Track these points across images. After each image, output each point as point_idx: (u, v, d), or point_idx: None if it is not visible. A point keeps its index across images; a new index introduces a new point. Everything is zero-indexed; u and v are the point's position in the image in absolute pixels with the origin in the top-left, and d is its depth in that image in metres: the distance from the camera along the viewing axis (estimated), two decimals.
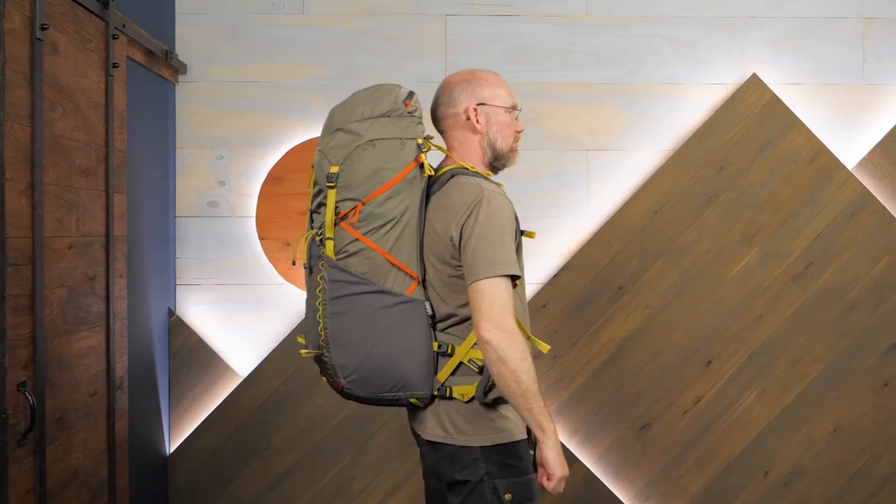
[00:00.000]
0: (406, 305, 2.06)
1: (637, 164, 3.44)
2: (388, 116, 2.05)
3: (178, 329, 3.38)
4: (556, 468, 2.02)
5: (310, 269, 2.14)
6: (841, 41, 3.46)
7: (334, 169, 2.04)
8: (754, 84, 3.40)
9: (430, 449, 2.15)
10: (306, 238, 2.15)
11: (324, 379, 2.15)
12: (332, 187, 2.04)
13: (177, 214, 3.42)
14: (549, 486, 2.04)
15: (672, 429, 3.42)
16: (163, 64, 3.23)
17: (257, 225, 3.42)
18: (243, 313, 3.43)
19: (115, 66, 2.74)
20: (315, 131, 3.42)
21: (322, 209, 2.09)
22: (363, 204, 2.02)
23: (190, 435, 3.39)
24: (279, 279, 3.42)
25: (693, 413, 3.42)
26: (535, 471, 2.11)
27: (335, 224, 2.05)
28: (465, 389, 2.07)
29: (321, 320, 2.07)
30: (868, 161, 3.43)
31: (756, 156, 3.40)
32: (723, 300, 3.41)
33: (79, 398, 2.54)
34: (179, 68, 3.36)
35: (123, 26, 2.81)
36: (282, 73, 3.44)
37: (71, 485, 2.49)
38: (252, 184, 3.43)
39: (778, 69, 3.45)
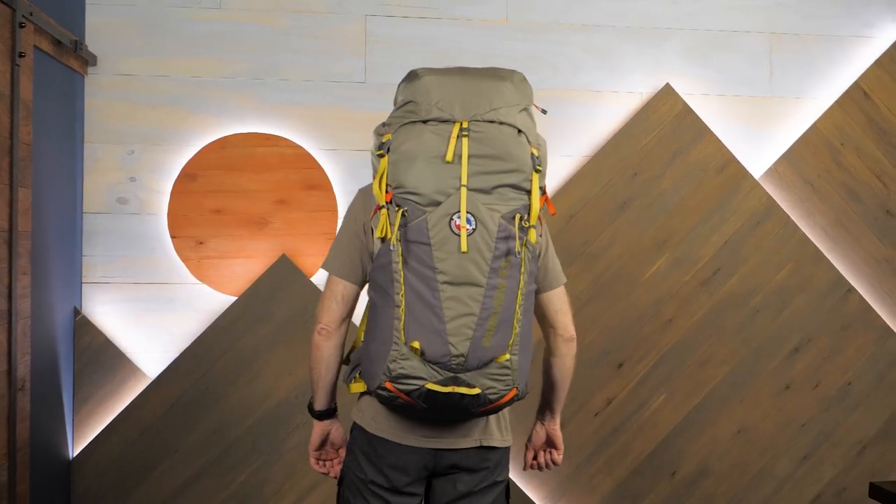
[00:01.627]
0: None
1: (553, 170, 3.48)
2: None
3: (83, 329, 3.26)
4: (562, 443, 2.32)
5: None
6: (750, 54, 3.58)
7: (535, 151, 1.91)
8: (667, 94, 3.49)
9: (477, 457, 2.08)
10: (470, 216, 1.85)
11: (454, 390, 1.84)
12: (538, 171, 1.90)
13: (84, 210, 3.31)
14: (560, 459, 2.33)
15: (584, 430, 3.47)
16: (72, 55, 3.12)
17: (169, 223, 3.33)
18: (152, 313, 3.34)
19: (21, 55, 2.63)
20: (232, 128, 3.35)
21: (505, 190, 1.87)
22: None
23: (95, 438, 3.27)
24: (190, 278, 3.34)
25: (604, 414, 3.48)
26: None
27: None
28: None
29: (517, 320, 1.88)
30: (773, 171, 3.55)
31: (668, 163, 3.48)
32: (635, 304, 3.48)
33: None
34: (89, 59, 3.25)
35: (31, 14, 2.70)
36: (198, 68, 3.36)
37: None
38: (164, 180, 3.34)
39: (690, 80, 3.55)
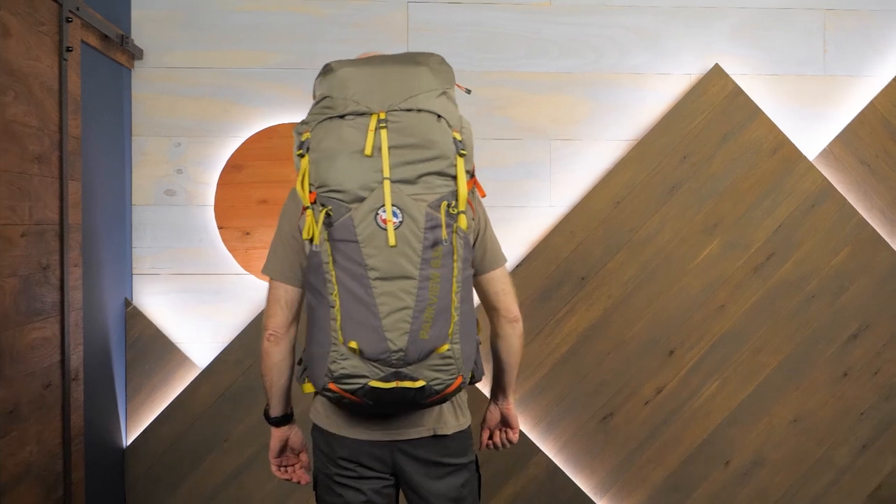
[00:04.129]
0: None
1: (600, 154, 3.43)
2: None
3: (134, 319, 3.31)
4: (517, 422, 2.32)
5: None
6: (802, 32, 3.48)
7: (458, 135, 1.90)
8: (717, 75, 3.41)
9: (433, 445, 2.09)
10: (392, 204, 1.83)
11: (397, 385, 1.84)
12: (463, 155, 1.89)
13: (133, 203, 3.35)
14: (515, 437, 2.32)
15: (634, 419, 3.43)
16: (118, 49, 3.16)
17: (216, 214, 3.36)
18: (201, 303, 3.37)
19: (69, 49, 2.67)
20: (276, 118, 3.36)
21: (430, 178, 1.85)
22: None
23: (147, 427, 3.32)
24: (238, 269, 3.36)
25: (655, 403, 3.43)
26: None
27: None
28: None
29: (455, 308, 1.86)
30: (828, 152, 3.45)
31: (718, 146, 3.41)
32: (685, 290, 3.42)
33: (32, 390, 2.47)
34: (135, 53, 3.28)
35: (77, 9, 2.73)
36: (241, 59, 3.37)
37: (25, 479, 2.42)
38: (210, 172, 3.37)
39: (740, 60, 3.46)
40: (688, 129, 3.40)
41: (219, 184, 3.36)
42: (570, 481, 3.38)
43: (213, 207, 3.36)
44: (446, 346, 1.85)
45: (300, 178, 1.85)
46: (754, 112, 3.40)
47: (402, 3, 3.40)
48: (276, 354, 2.08)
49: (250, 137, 3.36)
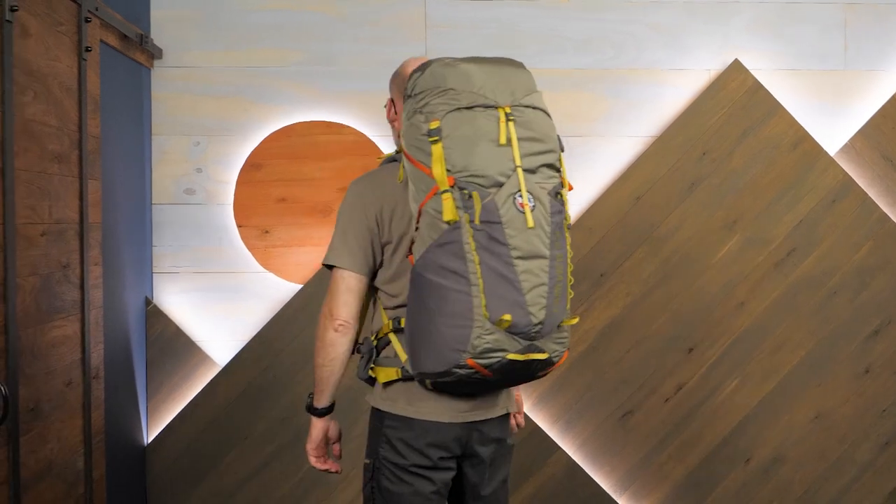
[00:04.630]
0: None
1: (618, 151, 3.41)
2: None
3: (154, 318, 3.33)
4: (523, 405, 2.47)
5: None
6: (823, 27, 3.45)
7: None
8: (736, 70, 3.39)
9: (501, 425, 2.20)
10: (528, 193, 1.93)
11: (530, 357, 1.93)
12: (562, 150, 2.04)
13: (153, 202, 3.37)
14: (522, 420, 2.45)
15: (654, 417, 3.41)
16: (137, 48, 3.18)
17: (235, 212, 3.38)
18: (221, 302, 3.39)
19: (87, 49, 2.68)
20: (294, 117, 3.37)
21: (545, 169, 1.97)
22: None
23: (168, 425, 3.34)
24: (257, 267, 3.38)
25: (675, 401, 3.41)
26: None
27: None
28: None
29: (570, 286, 2.01)
30: (850, 147, 3.42)
31: (738, 142, 3.38)
32: (704, 287, 3.40)
33: (53, 388, 2.49)
34: (155, 53, 3.30)
35: (97, 9, 2.75)
36: (259, 58, 3.38)
37: (46, 476, 2.44)
38: (229, 171, 3.38)
39: (760, 55, 3.44)
40: (707, 125, 3.38)
41: (238, 182, 3.38)
42: (590, 479, 3.37)
43: (232, 206, 3.38)
44: (575, 319, 2.02)
45: (436, 162, 1.90)
46: (774, 107, 3.38)
47: (420, 1, 3.40)
48: (343, 345, 2.11)
49: (269, 136, 3.38)
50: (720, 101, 3.38)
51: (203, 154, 3.38)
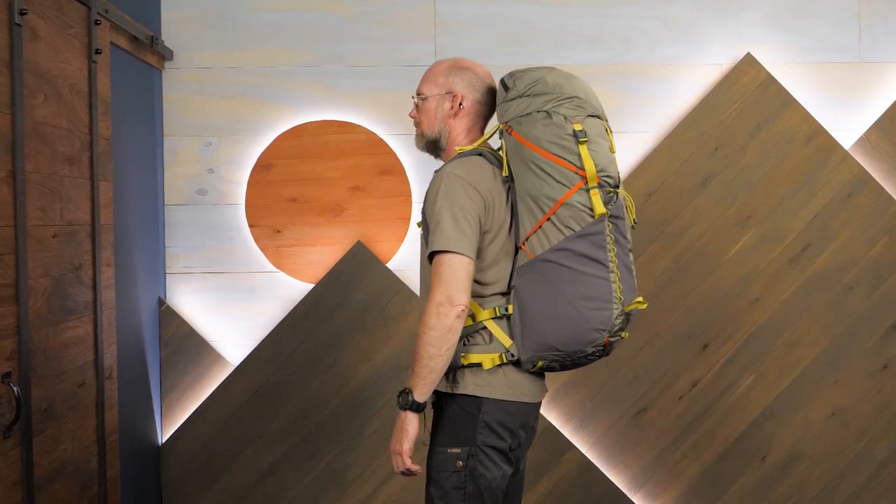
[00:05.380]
0: None
1: (630, 147, 3.40)
2: None
3: (168, 318, 3.35)
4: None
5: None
6: (836, 19, 3.41)
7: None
8: (749, 64, 3.36)
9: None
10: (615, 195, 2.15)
11: (622, 336, 2.15)
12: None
13: (165, 202, 3.38)
14: None
15: (668, 414, 3.39)
16: (148, 50, 3.19)
17: (247, 212, 3.39)
18: (234, 301, 3.40)
19: (97, 52, 2.70)
20: (305, 117, 3.38)
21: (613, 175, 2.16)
22: None
23: (182, 424, 3.36)
24: (269, 266, 3.39)
25: (689, 398, 3.39)
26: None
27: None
28: None
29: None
30: (865, 140, 3.39)
31: (751, 136, 3.36)
32: (718, 283, 3.37)
33: (66, 389, 2.51)
34: (165, 54, 3.32)
35: (106, 12, 2.76)
36: (270, 58, 3.39)
37: (59, 476, 2.46)
38: (241, 171, 3.39)
39: (772, 48, 3.41)
40: (720, 120, 3.36)
41: (249, 182, 3.39)
42: (604, 476, 3.36)
43: (244, 206, 3.39)
44: (645, 304, 2.19)
45: (586, 161, 2.09)
46: (788, 101, 3.35)
47: None
48: (460, 332, 2.11)
49: (280, 136, 3.38)
50: (733, 96, 3.36)
51: (215, 154, 3.39)
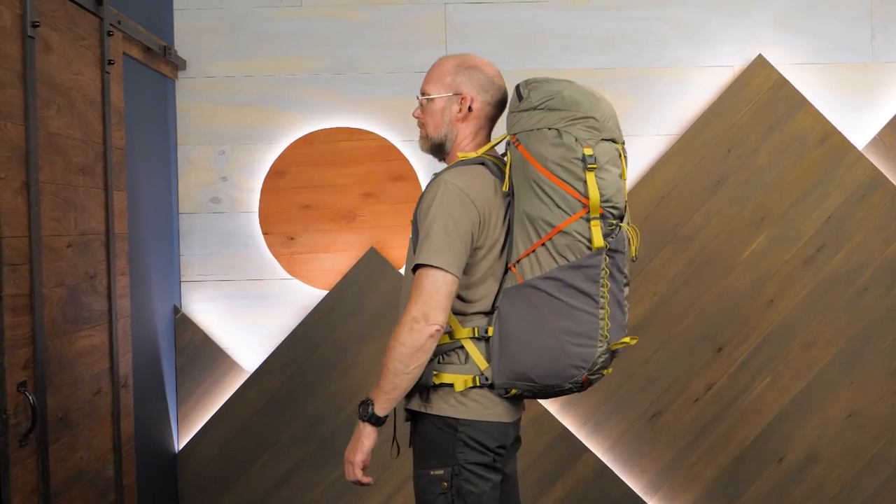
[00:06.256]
0: None
1: (642, 150, 3.39)
2: None
3: (183, 326, 3.37)
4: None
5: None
6: (848, 19, 3.40)
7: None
8: (760, 65, 3.35)
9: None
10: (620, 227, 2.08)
11: (606, 373, 2.09)
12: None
13: (180, 211, 3.41)
14: None
15: (683, 417, 3.38)
16: (161, 60, 3.21)
17: (260, 220, 3.41)
18: (248, 309, 3.42)
19: (110, 62, 2.72)
20: (317, 124, 3.40)
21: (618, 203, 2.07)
22: None
23: (198, 432, 3.38)
24: (283, 274, 3.40)
25: (704, 400, 3.38)
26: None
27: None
28: None
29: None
30: (878, 141, 3.37)
31: (764, 138, 3.35)
32: (732, 285, 3.36)
33: (82, 397, 2.53)
34: (179, 64, 3.34)
35: (119, 23, 2.79)
36: (281, 66, 3.41)
37: (76, 484, 2.48)
38: (254, 179, 3.41)
39: (784, 49, 3.39)
40: (732, 122, 3.35)
41: (262, 190, 3.41)
42: (620, 480, 3.35)
43: (257, 214, 3.41)
44: (635, 340, 2.13)
45: (591, 189, 1.98)
46: (800, 102, 3.34)
47: (440, 4, 3.40)
48: (431, 353, 2.03)
49: (292, 143, 3.40)
50: (745, 98, 3.35)
51: (228, 163, 3.41)
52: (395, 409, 2.15)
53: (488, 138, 2.26)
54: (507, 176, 2.10)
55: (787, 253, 3.35)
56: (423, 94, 2.23)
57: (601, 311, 2.00)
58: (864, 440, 3.37)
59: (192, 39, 3.40)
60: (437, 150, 2.25)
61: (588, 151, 1.98)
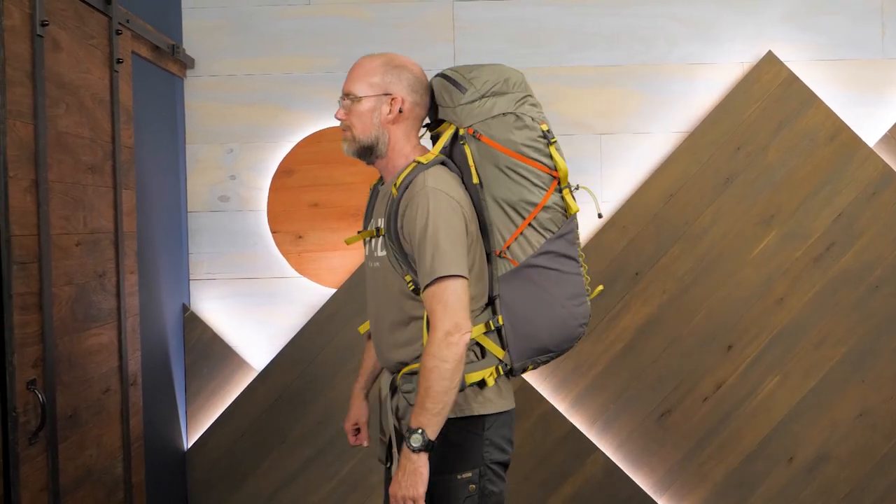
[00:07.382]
0: None
1: (651, 148, 3.38)
2: None
3: (192, 324, 3.37)
4: None
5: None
6: (858, 14, 3.37)
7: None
8: (770, 62, 3.33)
9: None
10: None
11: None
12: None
13: (188, 209, 3.41)
14: None
15: (693, 416, 3.37)
16: (170, 59, 3.22)
17: (268, 218, 3.41)
18: (257, 307, 3.42)
19: (119, 61, 2.73)
20: (325, 122, 3.39)
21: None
22: None
23: (207, 430, 3.38)
24: (292, 272, 3.40)
25: (714, 399, 3.36)
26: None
27: None
28: None
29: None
30: (889, 137, 3.35)
31: (773, 135, 3.33)
32: (742, 283, 3.35)
33: (91, 395, 2.53)
34: (187, 63, 3.35)
35: (128, 21, 2.79)
36: (289, 64, 3.41)
37: (85, 482, 2.49)
38: (262, 177, 3.42)
39: (794, 45, 3.38)
40: (741, 119, 3.34)
41: (271, 188, 3.41)
42: (629, 479, 3.34)
43: (266, 212, 3.41)
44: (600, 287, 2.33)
45: (558, 161, 2.10)
46: (810, 99, 3.32)
47: (448, 1, 3.40)
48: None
49: (300, 142, 3.40)
50: (754, 95, 3.33)
51: (236, 161, 3.41)
52: (394, 425, 2.18)
53: (418, 138, 2.21)
54: (472, 169, 2.08)
55: (796, 251, 3.34)
56: (347, 94, 2.15)
57: (581, 268, 2.17)
58: (874, 439, 3.35)
59: (200, 38, 3.41)
60: (366, 153, 2.19)
61: (545, 127, 2.11)
